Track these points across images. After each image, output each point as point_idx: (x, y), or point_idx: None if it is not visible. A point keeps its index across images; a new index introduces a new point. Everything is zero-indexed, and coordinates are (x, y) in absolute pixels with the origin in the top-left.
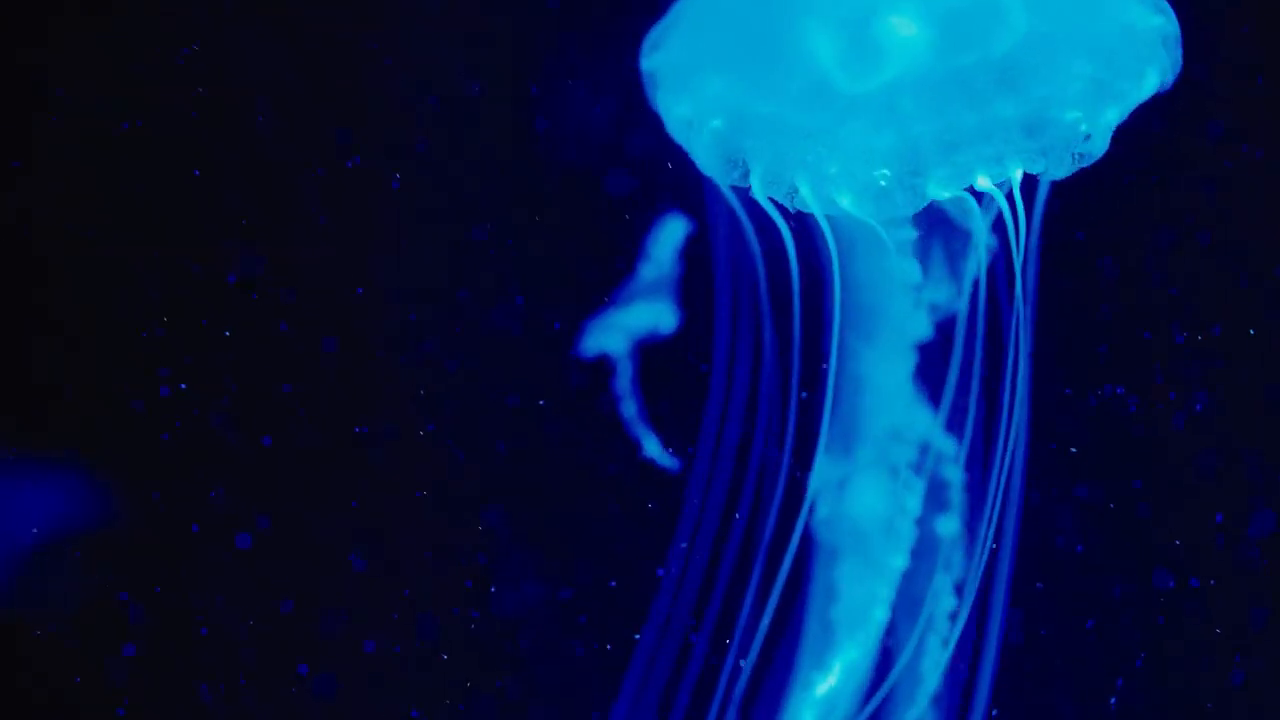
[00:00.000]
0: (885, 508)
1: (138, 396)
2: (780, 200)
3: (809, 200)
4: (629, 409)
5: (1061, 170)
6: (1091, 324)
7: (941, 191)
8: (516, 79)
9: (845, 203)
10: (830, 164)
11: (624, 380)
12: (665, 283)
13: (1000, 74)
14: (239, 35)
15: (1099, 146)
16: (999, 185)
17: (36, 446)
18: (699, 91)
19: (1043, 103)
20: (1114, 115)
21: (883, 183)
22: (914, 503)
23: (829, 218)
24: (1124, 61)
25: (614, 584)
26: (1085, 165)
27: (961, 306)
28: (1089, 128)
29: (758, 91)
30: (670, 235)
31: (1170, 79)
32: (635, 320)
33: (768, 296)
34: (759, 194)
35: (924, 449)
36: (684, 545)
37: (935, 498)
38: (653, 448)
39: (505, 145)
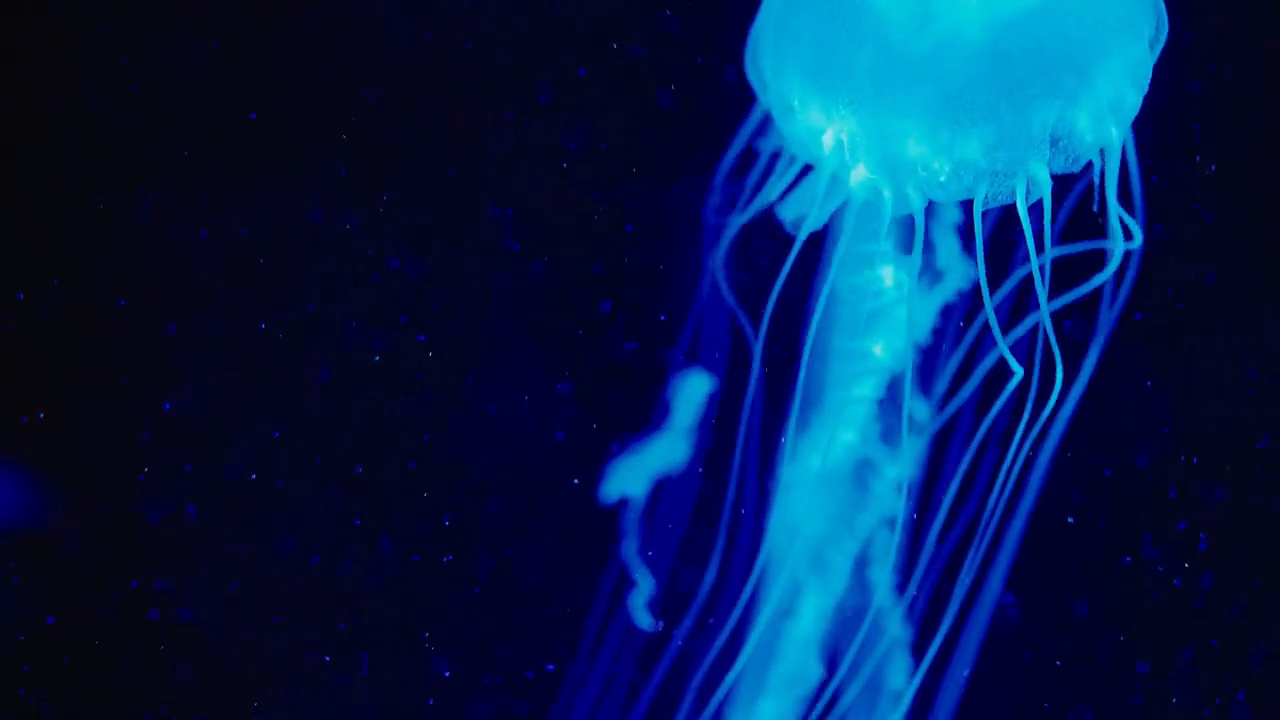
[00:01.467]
0: (853, 460)
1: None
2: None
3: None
4: (630, 547)
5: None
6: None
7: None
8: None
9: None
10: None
11: (633, 517)
12: (685, 432)
13: (1033, 54)
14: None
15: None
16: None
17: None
18: (810, 97)
19: (1072, 98)
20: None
21: (941, 178)
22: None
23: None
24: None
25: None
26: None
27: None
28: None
29: (834, 73)
30: (692, 391)
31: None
32: (654, 463)
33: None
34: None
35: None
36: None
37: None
38: (641, 599)
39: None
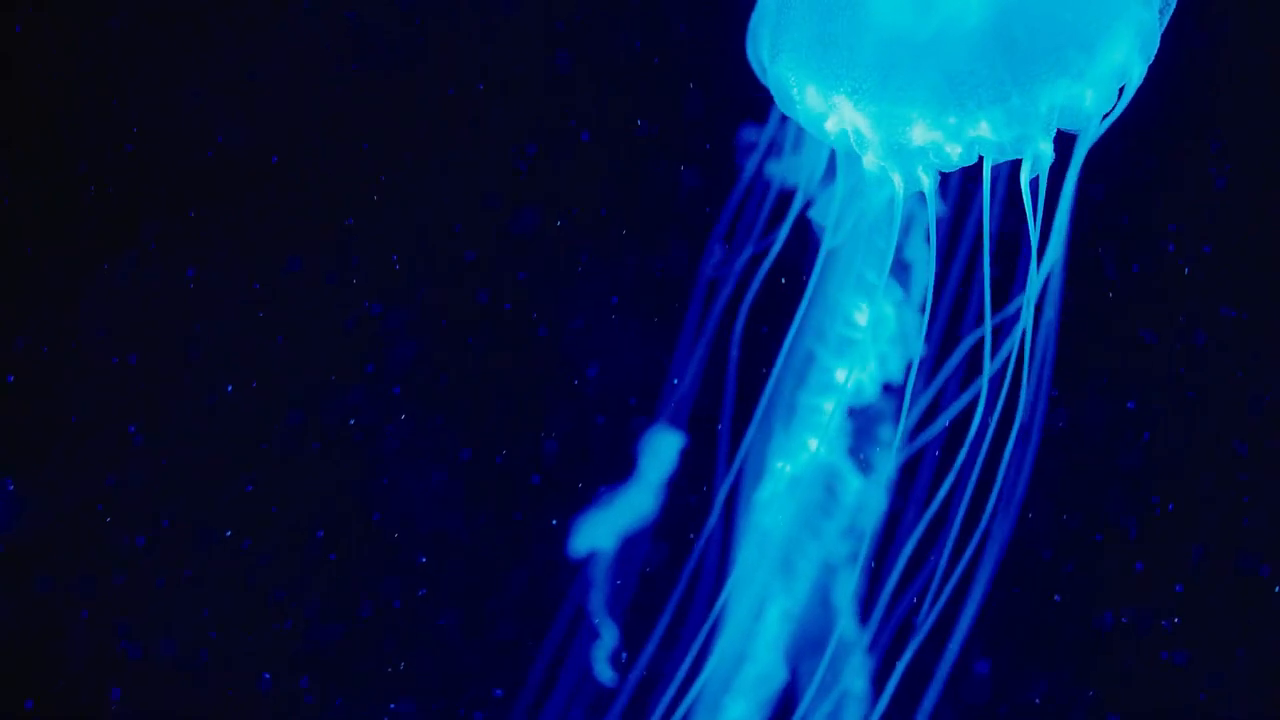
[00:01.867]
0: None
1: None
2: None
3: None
4: (597, 598)
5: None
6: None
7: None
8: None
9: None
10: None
11: (600, 570)
12: (654, 488)
13: (1039, 22)
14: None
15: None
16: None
17: None
18: (806, 84)
19: (1080, 73)
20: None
21: (953, 158)
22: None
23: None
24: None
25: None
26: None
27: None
28: (1097, 108)
29: (837, 62)
30: (662, 449)
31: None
32: (622, 519)
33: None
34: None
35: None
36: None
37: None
38: (604, 649)
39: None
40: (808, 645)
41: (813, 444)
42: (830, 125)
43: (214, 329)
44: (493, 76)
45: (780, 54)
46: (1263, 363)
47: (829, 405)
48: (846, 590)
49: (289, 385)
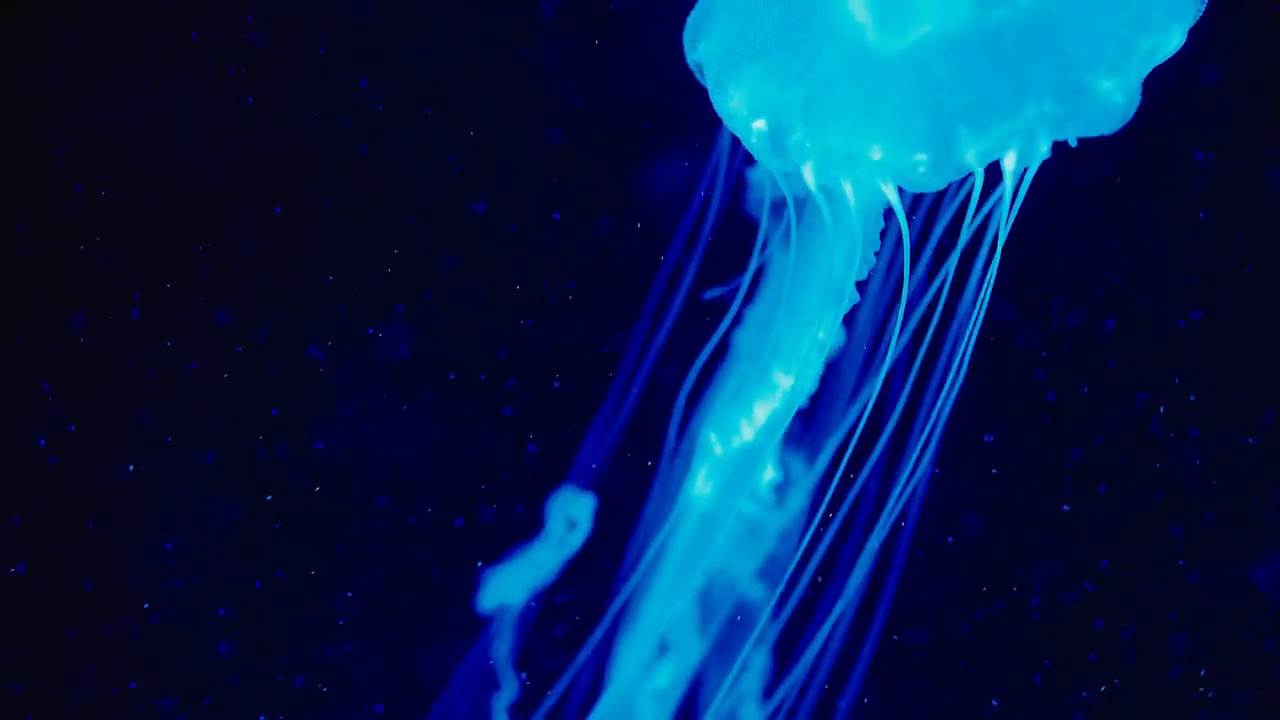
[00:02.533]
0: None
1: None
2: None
3: (847, 187)
4: (501, 648)
5: (1085, 131)
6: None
7: (975, 163)
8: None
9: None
10: (870, 147)
11: (508, 621)
12: (562, 547)
13: (1032, 30)
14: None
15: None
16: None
17: None
18: (742, 83)
19: (1079, 64)
20: (1139, 74)
21: (921, 169)
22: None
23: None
24: (1155, 17)
25: None
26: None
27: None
28: (1122, 94)
29: (794, 67)
30: (569, 507)
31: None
32: (530, 574)
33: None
34: (805, 180)
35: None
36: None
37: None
38: (506, 697)
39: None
40: (724, 630)
41: (746, 430)
42: (759, 125)
43: (148, 371)
44: (466, 127)
45: (720, 53)
46: (1212, 453)
47: (768, 404)
48: (761, 593)
49: (215, 428)
